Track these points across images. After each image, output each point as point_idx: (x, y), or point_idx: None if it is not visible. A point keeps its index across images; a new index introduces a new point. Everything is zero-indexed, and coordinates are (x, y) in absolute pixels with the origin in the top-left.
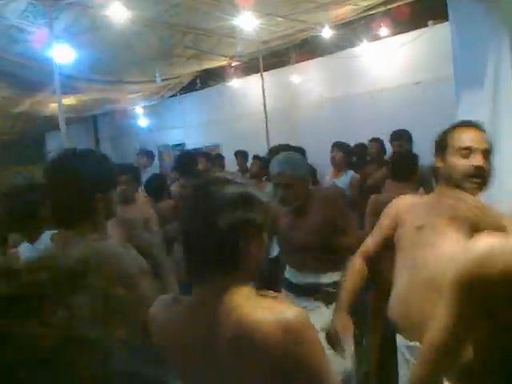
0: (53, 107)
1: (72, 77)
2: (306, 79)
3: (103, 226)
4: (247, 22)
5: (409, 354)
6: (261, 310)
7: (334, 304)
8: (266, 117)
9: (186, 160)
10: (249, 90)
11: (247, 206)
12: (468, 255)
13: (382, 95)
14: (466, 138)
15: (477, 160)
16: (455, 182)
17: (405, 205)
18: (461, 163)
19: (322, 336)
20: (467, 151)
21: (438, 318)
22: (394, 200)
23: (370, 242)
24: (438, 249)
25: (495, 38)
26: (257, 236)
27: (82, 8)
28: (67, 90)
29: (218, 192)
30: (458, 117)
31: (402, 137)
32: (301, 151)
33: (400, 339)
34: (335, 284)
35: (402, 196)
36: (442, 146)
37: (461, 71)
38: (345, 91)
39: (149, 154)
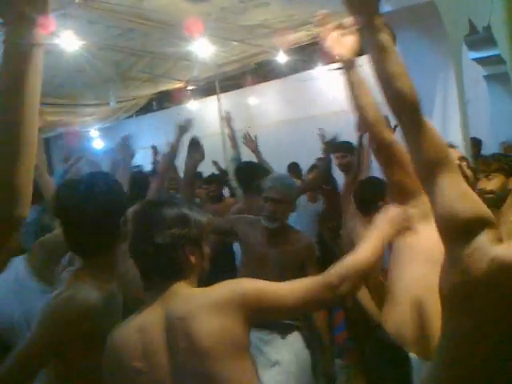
0: None
1: None
2: (263, 101)
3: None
4: (203, 48)
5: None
6: (193, 295)
7: (289, 336)
8: (223, 139)
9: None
10: (206, 112)
11: (181, 224)
12: None
13: (339, 117)
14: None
15: None
16: None
17: None
18: None
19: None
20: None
21: None
22: None
23: None
24: None
25: (443, 69)
26: (195, 248)
27: None
28: None
29: (156, 213)
30: None
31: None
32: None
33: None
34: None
35: None
36: None
37: None
38: (301, 113)
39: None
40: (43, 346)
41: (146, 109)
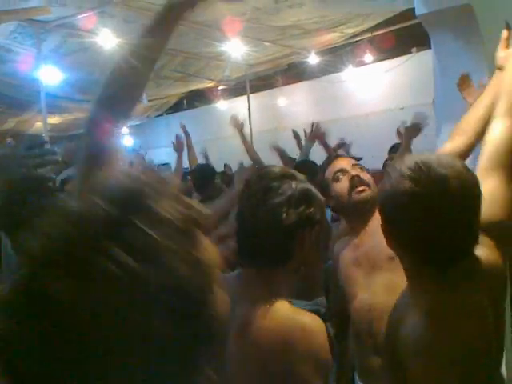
0: (38, 126)
1: (58, 97)
2: (292, 102)
3: None
4: (235, 48)
5: None
6: (277, 313)
7: None
8: (251, 138)
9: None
10: (235, 112)
11: (309, 202)
12: None
13: (367, 119)
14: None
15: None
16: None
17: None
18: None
19: None
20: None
21: None
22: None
23: None
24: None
25: (476, 73)
26: (312, 232)
27: (70, 30)
28: (53, 109)
29: (281, 187)
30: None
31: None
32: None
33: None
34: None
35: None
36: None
37: (442, 103)
38: (330, 115)
39: None
40: None
41: (175, 107)
